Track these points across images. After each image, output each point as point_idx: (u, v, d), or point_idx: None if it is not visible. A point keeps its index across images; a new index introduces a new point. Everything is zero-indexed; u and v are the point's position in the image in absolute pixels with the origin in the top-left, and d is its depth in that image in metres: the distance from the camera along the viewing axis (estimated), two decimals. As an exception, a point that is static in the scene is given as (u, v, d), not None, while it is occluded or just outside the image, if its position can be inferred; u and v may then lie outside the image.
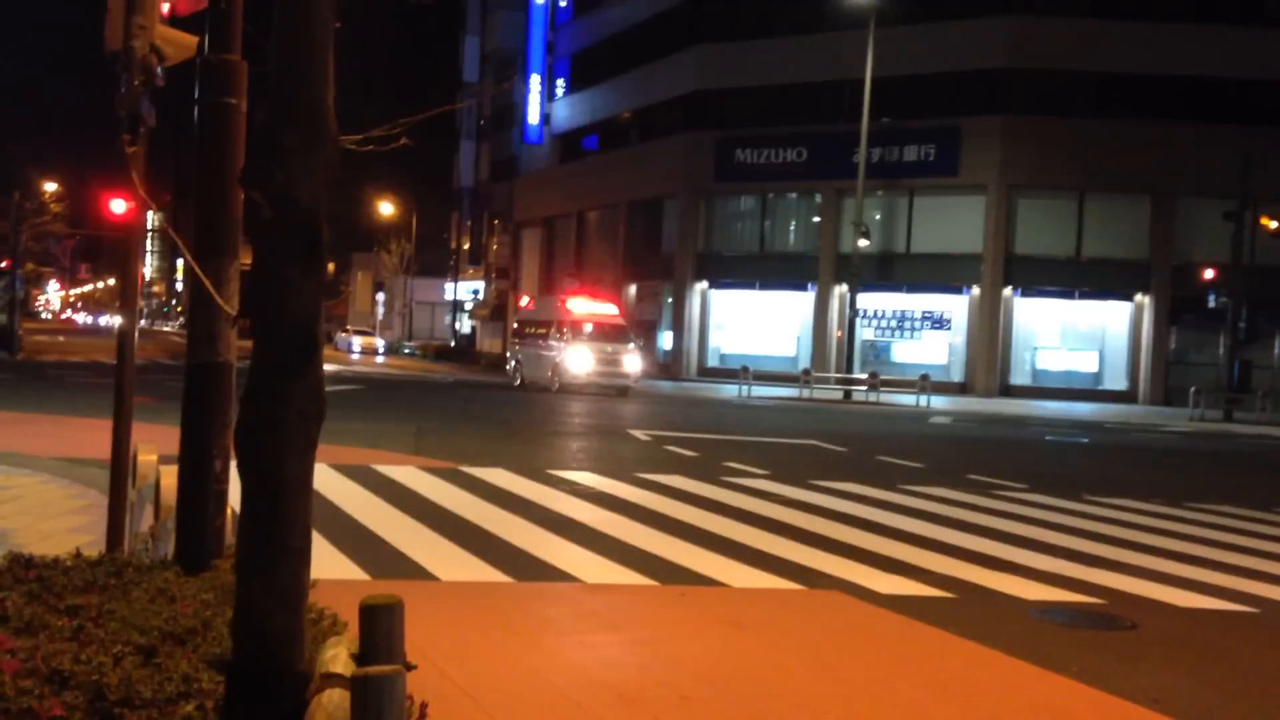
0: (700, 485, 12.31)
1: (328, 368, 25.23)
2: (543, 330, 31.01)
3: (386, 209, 66.44)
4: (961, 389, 37.57)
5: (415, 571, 7.58)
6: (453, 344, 62.36)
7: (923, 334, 39.26)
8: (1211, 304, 33.28)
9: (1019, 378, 38.32)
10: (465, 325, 66.87)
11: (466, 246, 66.91)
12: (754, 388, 33.24)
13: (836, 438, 19.23)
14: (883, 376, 34.16)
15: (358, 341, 62.01)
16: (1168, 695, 5.75)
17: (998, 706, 5.51)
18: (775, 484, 12.78)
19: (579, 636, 6.26)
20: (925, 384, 32.45)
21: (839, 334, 37.31)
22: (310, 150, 2.68)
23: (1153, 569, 8.94)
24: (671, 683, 5.50)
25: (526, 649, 5.96)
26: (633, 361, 29.54)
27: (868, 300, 37.28)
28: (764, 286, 41.69)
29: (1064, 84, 37.14)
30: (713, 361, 42.39)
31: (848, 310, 35.62)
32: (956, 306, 38.58)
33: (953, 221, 38.33)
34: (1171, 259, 36.41)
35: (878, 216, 38.59)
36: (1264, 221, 31.36)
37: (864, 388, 33.58)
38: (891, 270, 38.43)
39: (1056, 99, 37.21)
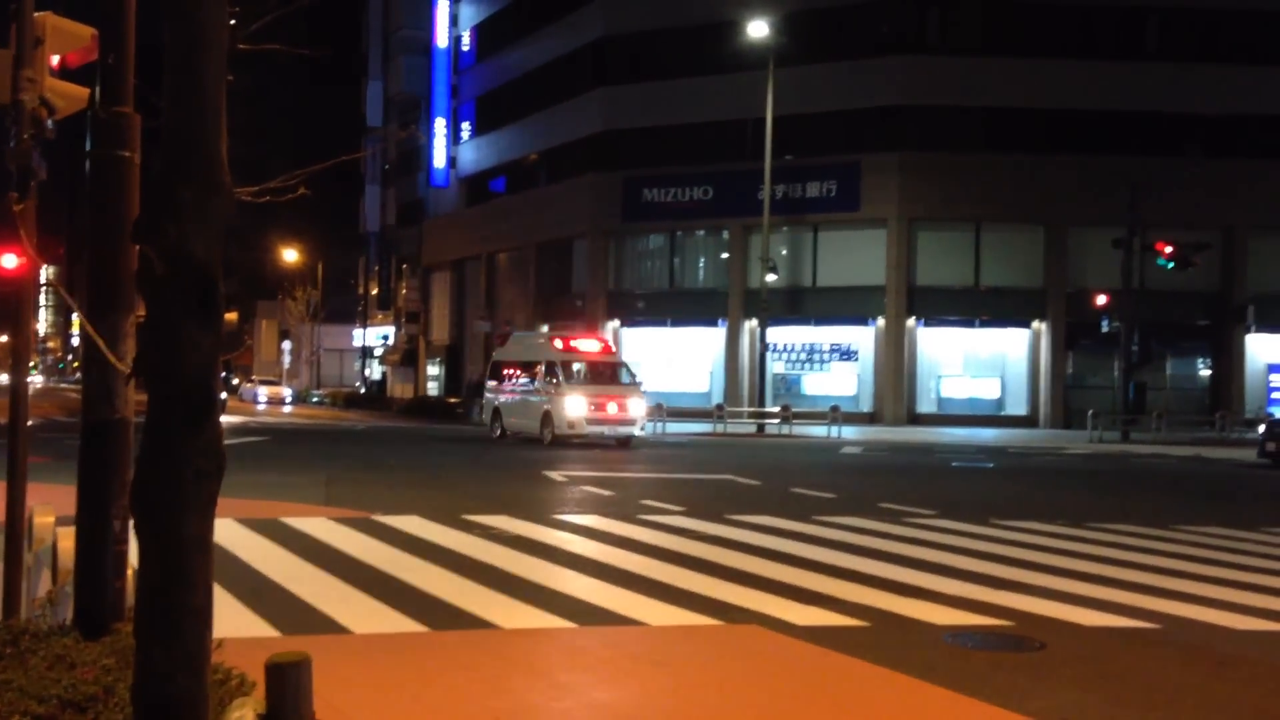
0: (617, 524, 12.30)
1: (233, 419, 24.70)
2: (527, 373, 27.17)
3: (291, 256, 65.44)
4: (871, 418, 38.19)
5: (326, 625, 7.43)
6: (363, 390, 61.46)
7: (831, 366, 39.89)
8: (1105, 329, 34.43)
9: (925, 406, 39.10)
10: (376, 371, 66.00)
11: (375, 291, 66.19)
12: (668, 424, 33.36)
13: (750, 471, 19.38)
14: (794, 409, 34.57)
15: (263, 391, 60.74)
16: (1076, 714, 5.89)
17: (914, 733, 5.59)
18: (691, 520, 12.82)
19: (497, 683, 6.19)
20: (836, 415, 32.92)
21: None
22: (204, 204, 2.65)
23: (1059, 589, 9.17)
24: (591, 726, 5.46)
25: (443, 699, 5.87)
26: (637, 406, 25.91)
27: (777, 334, 37.76)
28: (675, 323, 41.99)
29: (958, 120, 38.30)
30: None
31: (758, 344, 36.01)
32: (863, 338, 39.30)
33: (856, 255, 39.13)
34: (1065, 286, 37.61)
35: (784, 251, 39.22)
36: (1159, 246, 32.56)
37: (776, 420, 33.94)
38: (799, 304, 39.03)
39: (952, 134, 38.34)
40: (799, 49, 36.20)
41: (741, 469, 20.05)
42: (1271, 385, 38.08)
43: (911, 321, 38.53)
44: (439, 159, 54.12)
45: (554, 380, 25.61)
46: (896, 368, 38.26)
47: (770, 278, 34.72)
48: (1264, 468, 24.04)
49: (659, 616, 7.88)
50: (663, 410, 33.51)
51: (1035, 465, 23.85)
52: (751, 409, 35.57)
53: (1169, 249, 32.37)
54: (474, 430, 34.70)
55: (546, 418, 25.58)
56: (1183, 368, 39.63)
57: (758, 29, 32.73)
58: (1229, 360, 38.29)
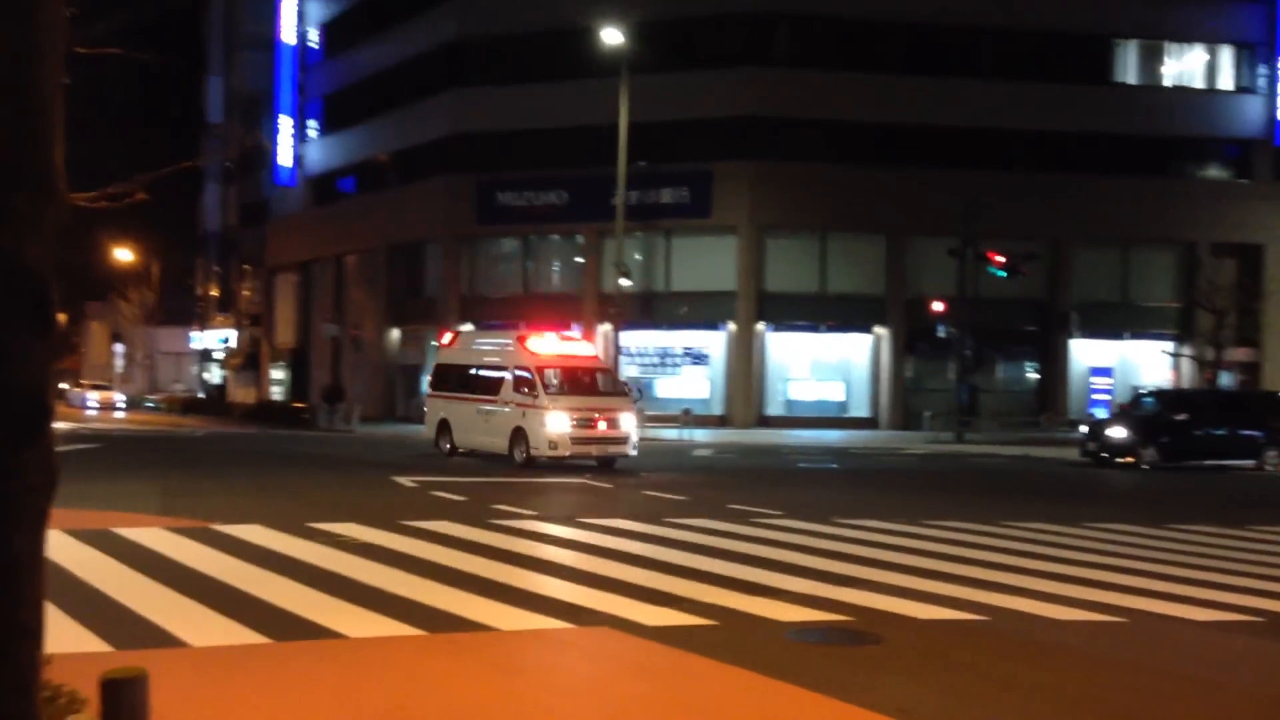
0: (468, 530, 12.23)
1: (61, 425, 23.34)
2: (488, 380, 22.41)
3: (124, 255, 62.62)
4: (722, 421, 38.88)
5: (163, 639, 7.18)
6: (202, 395, 59.24)
7: (684, 369, 40.45)
8: (941, 334, 35.93)
9: (774, 408, 40.04)
10: (216, 376, 63.69)
11: (215, 293, 63.90)
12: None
13: (603, 474, 19.49)
14: (648, 412, 34.87)
15: (94, 396, 57.94)
16: (912, 704, 6.17)
17: (758, 728, 5.76)
18: (544, 524, 12.85)
19: (343, 694, 6.11)
20: (688, 418, 33.39)
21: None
22: (38, 212, 2.57)
23: (896, 585, 9.55)
24: (441, 733, 5.45)
25: (286, 711, 5.76)
26: (629, 421, 21.28)
27: (631, 338, 38.07)
28: (529, 328, 41.82)
29: (807, 131, 39.39)
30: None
31: (612, 349, 36.15)
32: (714, 342, 39.99)
33: (708, 261, 39.81)
34: (905, 294, 39.07)
35: (638, 257, 39.58)
36: (990, 255, 34.12)
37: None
38: (653, 309, 39.46)
39: (801, 145, 39.41)
40: (653, 57, 36.61)
41: (595, 472, 20.16)
42: (1093, 388, 40.37)
43: (761, 326, 39.39)
44: (284, 158, 52.63)
45: (529, 390, 20.87)
46: (746, 371, 39.07)
47: (624, 283, 35.00)
48: (1086, 466, 25.50)
49: (510, 621, 7.89)
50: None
51: (876, 465, 24.71)
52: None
53: (1000, 259, 33.98)
54: (322, 436, 33.89)
55: (519, 435, 20.87)
56: (1013, 371, 41.67)
57: (611, 36, 32.96)
58: (1055, 364, 40.43)
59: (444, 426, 23.52)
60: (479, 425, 22.32)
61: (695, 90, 39.13)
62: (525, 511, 14.00)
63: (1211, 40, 41.97)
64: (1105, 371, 40.19)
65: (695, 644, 7.33)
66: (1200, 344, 38.12)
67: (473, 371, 23.16)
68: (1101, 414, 32.87)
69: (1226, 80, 42.21)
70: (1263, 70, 41.59)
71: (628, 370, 39.42)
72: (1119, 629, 8.29)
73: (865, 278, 39.84)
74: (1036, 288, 38.92)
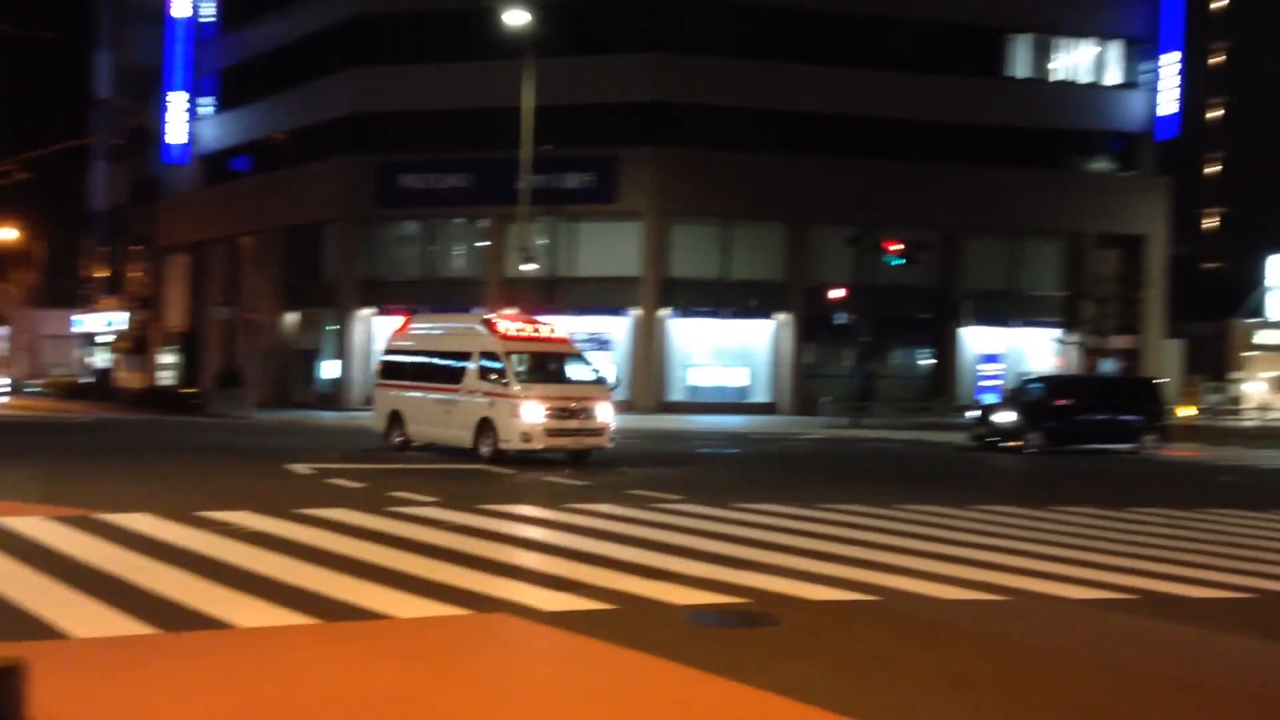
0: (365, 517, 12.08)
1: (-64, 412, 22.14)
2: (447, 369, 20.63)
3: (7, 235, 60.05)
4: (625, 407, 38.97)
5: (44, 631, 6.96)
6: (88, 380, 57.22)
7: (588, 355, 40.39)
8: (840, 321, 36.57)
9: (677, 394, 40.30)
10: (101, 360, 61.57)
11: (102, 274, 61.73)
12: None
13: (507, 461, 19.41)
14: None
15: (-27, 381, 55.48)
16: (804, 684, 6.30)
17: (652, 709, 5.83)
18: (443, 511, 12.76)
19: (233, 684, 6.00)
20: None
21: None
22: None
23: (791, 567, 9.73)
24: (334, 722, 5.40)
25: (174, 702, 5.64)
26: (606, 412, 19.58)
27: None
28: (431, 312, 41.29)
29: (712, 118, 39.65)
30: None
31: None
32: (618, 328, 40.07)
33: (613, 246, 39.83)
34: (806, 281, 39.64)
35: (543, 241, 39.39)
36: (886, 244, 34.80)
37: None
38: (557, 294, 39.34)
39: (705, 132, 39.66)
40: (559, 40, 36.41)
41: (499, 459, 20.05)
42: (983, 374, 41.51)
43: (664, 312, 39.59)
44: (176, 135, 51.04)
45: (498, 378, 19.17)
46: (650, 357, 39.25)
47: (528, 267, 34.83)
48: (975, 450, 26.24)
49: (407, 609, 7.83)
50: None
51: (775, 450, 25.08)
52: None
53: (896, 247, 34.69)
54: (215, 422, 33.05)
55: (485, 427, 19.18)
56: (907, 358, 42.63)
57: (516, 17, 32.66)
58: (947, 351, 41.48)
59: (395, 419, 21.53)
60: (437, 417, 20.47)
61: (601, 74, 39.06)
62: (424, 498, 13.87)
63: (1099, 36, 43.37)
64: (995, 358, 41.36)
65: (593, 629, 7.37)
66: (1085, 332, 39.49)
67: (430, 359, 21.25)
68: (991, 399, 33.83)
69: (1113, 75, 43.67)
70: (1146, 66, 43.12)
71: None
72: (1003, 607, 8.57)
73: (767, 265, 40.31)
74: (931, 276, 39.84)
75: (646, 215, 39.02)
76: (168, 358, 54.11)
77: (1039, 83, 42.80)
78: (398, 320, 41.40)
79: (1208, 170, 64.96)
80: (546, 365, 19.99)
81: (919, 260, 35.50)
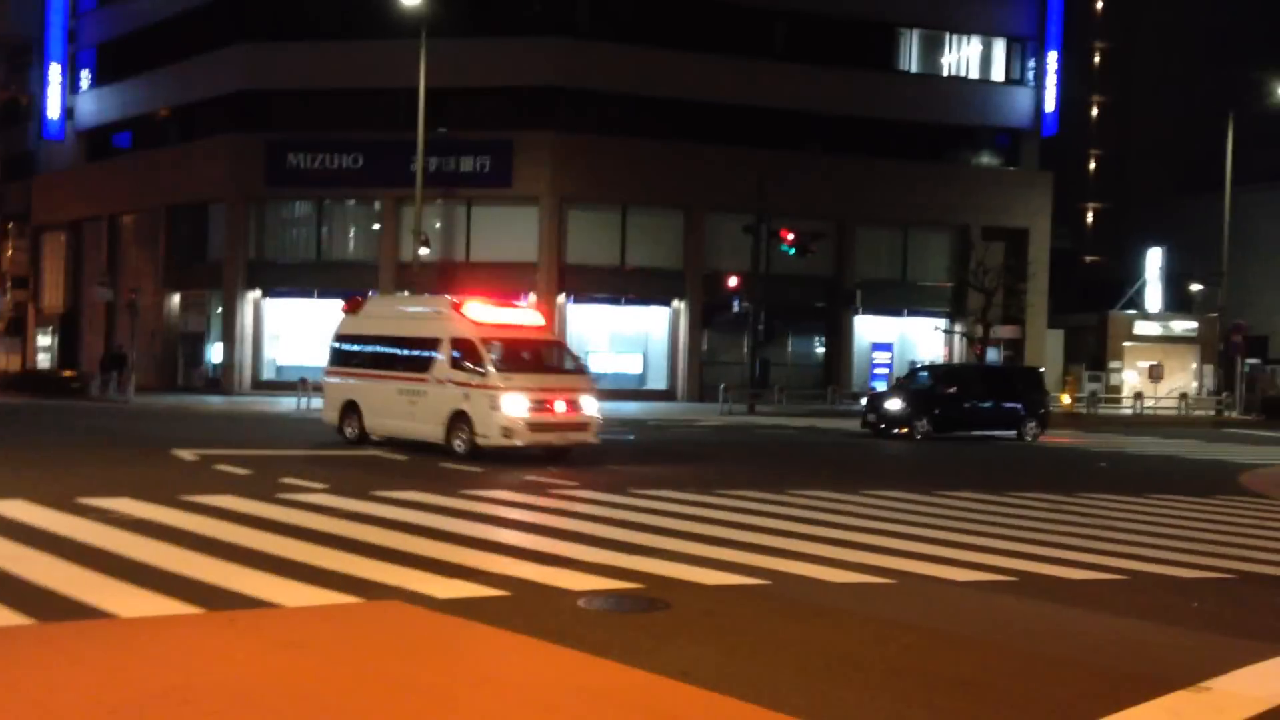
0: (253, 504, 11.80)
1: None
2: (410, 356, 18.97)
3: None
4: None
5: (-91, 626, 6.64)
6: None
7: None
8: (735, 309, 36.94)
9: (574, 381, 40.19)
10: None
11: (-26, 252, 58.92)
12: (314, 400, 32.24)
13: (396, 447, 19.17)
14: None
15: None
16: (696, 667, 6.37)
17: (544, 694, 5.83)
18: (334, 497, 12.54)
19: (114, 676, 5.80)
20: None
21: None
22: None
23: (685, 552, 9.82)
24: (216, 711, 5.27)
25: (50, 695, 5.44)
26: (590, 404, 18.24)
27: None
28: (323, 295, 40.52)
29: (609, 104, 39.61)
30: (269, 374, 40.59)
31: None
32: (515, 314, 39.77)
33: (510, 231, 39.55)
34: (702, 269, 39.95)
35: (438, 225, 38.91)
36: (782, 233, 35.24)
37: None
38: (453, 279, 38.88)
39: (603, 118, 39.60)
40: (456, 22, 35.94)
41: (390, 445, 19.78)
42: (874, 362, 42.43)
43: (562, 298, 39.49)
44: (53, 109, 48.95)
45: (474, 367, 17.50)
46: (546, 343, 39.06)
47: (423, 251, 34.37)
48: (866, 436, 26.82)
49: (295, 598, 7.68)
50: (307, 385, 32.33)
51: (671, 437, 25.26)
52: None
53: (790, 236, 35.16)
54: (95, 407, 31.91)
55: (459, 420, 17.56)
56: (802, 345, 43.31)
57: (411, -2, 32.13)
58: (840, 339, 42.26)
59: (351, 410, 19.65)
60: (401, 408, 18.71)
61: (498, 57, 38.69)
62: (315, 485, 13.62)
63: (986, 33, 44.54)
64: (886, 347, 42.30)
65: (486, 615, 7.34)
66: (971, 322, 40.63)
67: (389, 345, 19.51)
68: (881, 387, 34.59)
69: (999, 72, 44.91)
70: (1032, 64, 44.45)
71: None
72: (890, 590, 8.79)
73: (664, 252, 40.49)
74: (824, 265, 40.51)
75: (544, 200, 38.84)
76: (45, 339, 51.99)
77: (929, 77, 43.79)
78: (290, 302, 40.63)
79: (1088, 166, 67.32)
80: (525, 353, 18.32)
81: (813, 249, 36.05)
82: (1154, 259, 51.83)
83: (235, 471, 14.96)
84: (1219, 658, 6.93)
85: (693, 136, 39.87)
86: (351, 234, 42.24)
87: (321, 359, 39.28)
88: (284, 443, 19.88)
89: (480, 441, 17.28)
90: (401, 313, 20.79)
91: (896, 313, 42.58)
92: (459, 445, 17.56)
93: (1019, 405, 27.42)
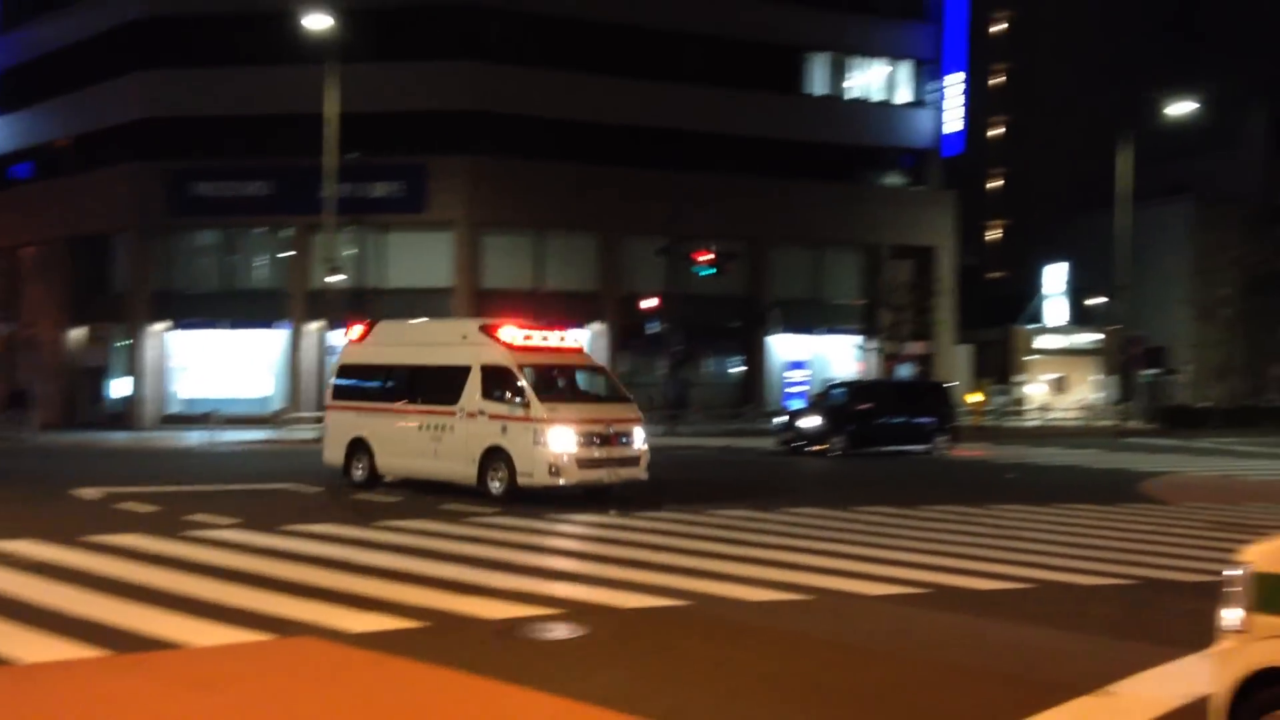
0: (160, 542, 11.51)
1: None
2: (434, 384, 17.02)
3: None
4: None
5: None
6: None
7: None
8: (652, 330, 37.11)
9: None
10: None
11: None
12: (224, 433, 31.58)
13: (314, 478, 18.85)
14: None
15: None
16: (615, 692, 6.38)
17: (464, 727, 5.79)
18: (245, 533, 12.29)
19: (12, 728, 5.62)
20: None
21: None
22: None
23: (604, 576, 9.83)
24: (124, 761, 5.13)
25: (-56, 752, 5.24)
26: (640, 435, 16.61)
27: (343, 336, 36.87)
28: (233, 326, 39.75)
29: (524, 128, 39.57)
30: (176, 408, 39.59)
31: (323, 347, 34.91)
32: (430, 340, 39.41)
33: (425, 257, 39.23)
34: (619, 291, 40.05)
35: (350, 252, 38.41)
36: (695, 254, 35.53)
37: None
38: (366, 306, 38.40)
39: (518, 142, 39.54)
40: (366, 46, 35.65)
41: (303, 477, 19.43)
42: (790, 380, 42.91)
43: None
44: (-54, 138, 47.34)
45: (512, 397, 15.74)
46: (462, 369, 38.76)
47: (335, 278, 33.91)
48: (783, 454, 27.09)
49: (205, 637, 7.51)
50: (216, 418, 31.68)
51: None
52: (316, 414, 34.50)
53: (705, 257, 35.47)
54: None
55: (495, 458, 15.73)
56: (719, 365, 43.63)
57: (318, 21, 31.79)
58: (756, 358, 42.68)
59: (359, 448, 17.65)
60: (422, 445, 16.74)
61: (410, 82, 38.46)
62: (225, 521, 13.33)
63: (890, 56, 45.56)
64: (801, 365, 42.81)
65: (403, 647, 7.26)
66: (883, 338, 41.39)
67: (405, 374, 17.64)
68: (797, 405, 34.99)
69: (904, 94, 45.96)
70: (933, 86, 45.58)
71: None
72: (806, 606, 8.90)
73: (581, 275, 40.52)
74: (739, 285, 40.92)
75: (458, 225, 38.63)
76: (-63, 377, 50.05)
77: (836, 100, 44.62)
78: (197, 334, 39.73)
79: (991, 185, 69.18)
80: (566, 381, 16.85)
81: (727, 270, 36.40)
82: (1053, 274, 53.34)
83: (141, 509, 14.57)
84: (1122, 662, 7.15)
85: (607, 160, 40.05)
86: (260, 263, 41.50)
87: (234, 390, 38.90)
88: (193, 478, 19.41)
89: (523, 481, 15.38)
90: (419, 339, 18.52)
91: (811, 331, 43.15)
92: (495, 486, 15.65)
93: (930, 420, 27.96)
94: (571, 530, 12.76)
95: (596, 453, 15.61)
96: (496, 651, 7.29)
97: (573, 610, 8.47)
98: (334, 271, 33.61)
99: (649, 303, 36.71)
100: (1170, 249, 52.13)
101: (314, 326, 38.16)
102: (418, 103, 38.59)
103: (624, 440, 16.10)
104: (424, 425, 16.77)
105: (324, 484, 17.90)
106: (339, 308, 34.85)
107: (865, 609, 8.89)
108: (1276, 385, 52.75)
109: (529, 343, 16.76)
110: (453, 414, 16.35)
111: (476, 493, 15.72)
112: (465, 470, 16.05)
